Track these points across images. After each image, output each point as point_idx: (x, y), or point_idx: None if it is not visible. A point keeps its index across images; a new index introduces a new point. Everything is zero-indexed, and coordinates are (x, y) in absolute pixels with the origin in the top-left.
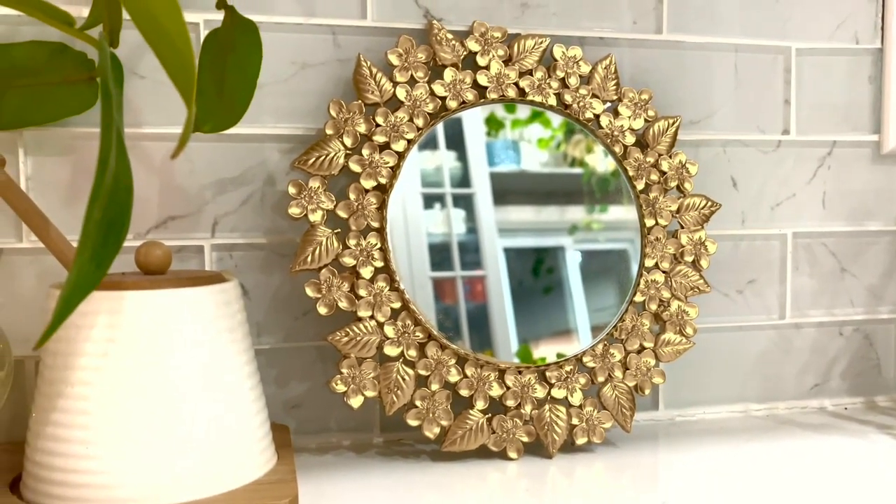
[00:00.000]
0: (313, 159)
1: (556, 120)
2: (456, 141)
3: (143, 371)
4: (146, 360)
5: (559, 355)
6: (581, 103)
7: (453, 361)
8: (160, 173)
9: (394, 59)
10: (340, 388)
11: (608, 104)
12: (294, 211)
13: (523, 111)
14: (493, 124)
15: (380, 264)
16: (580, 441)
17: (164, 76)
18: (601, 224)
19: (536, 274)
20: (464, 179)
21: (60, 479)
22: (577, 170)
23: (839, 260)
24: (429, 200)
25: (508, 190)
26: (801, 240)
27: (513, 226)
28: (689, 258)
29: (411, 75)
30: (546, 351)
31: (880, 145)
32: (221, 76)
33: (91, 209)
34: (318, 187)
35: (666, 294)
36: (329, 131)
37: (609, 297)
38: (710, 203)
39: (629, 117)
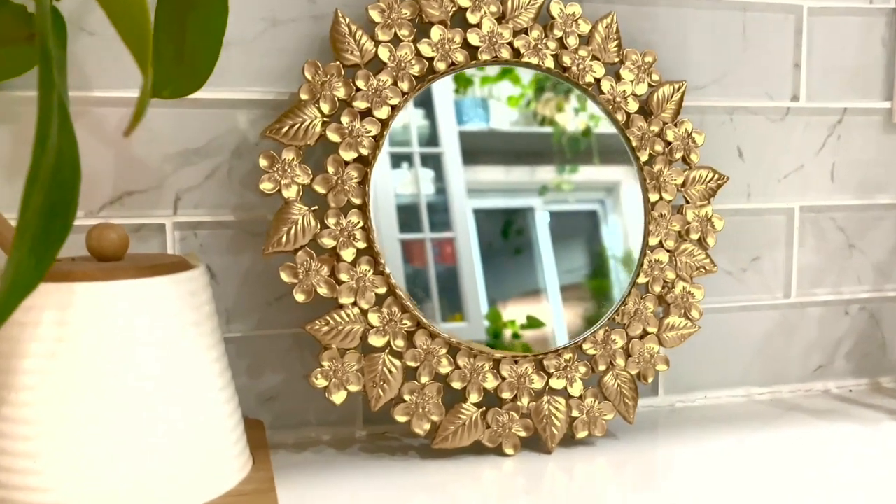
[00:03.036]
0: (286, 127)
1: (526, 77)
2: (424, 98)
3: (97, 374)
4: (100, 362)
5: (529, 318)
6: (581, 66)
7: (444, 351)
8: (114, 143)
9: (375, 16)
10: (321, 382)
11: (609, 67)
12: (266, 186)
13: (492, 67)
14: (462, 81)
15: (362, 245)
16: (581, 435)
17: (116, 33)
18: (571, 184)
19: (506, 235)
20: (432, 138)
21: (3, 496)
22: (548, 129)
23: (847, 235)
24: (396, 160)
25: (478, 149)
26: (808, 214)
27: (482, 186)
28: (694, 236)
29: (395, 33)
30: (515, 312)
31: (892, 113)
32: (182, 35)
33: (29, 193)
34: (293, 159)
35: (671, 275)
36: (304, 96)
37: (578, 258)
38: (717, 176)
39: (632, 82)
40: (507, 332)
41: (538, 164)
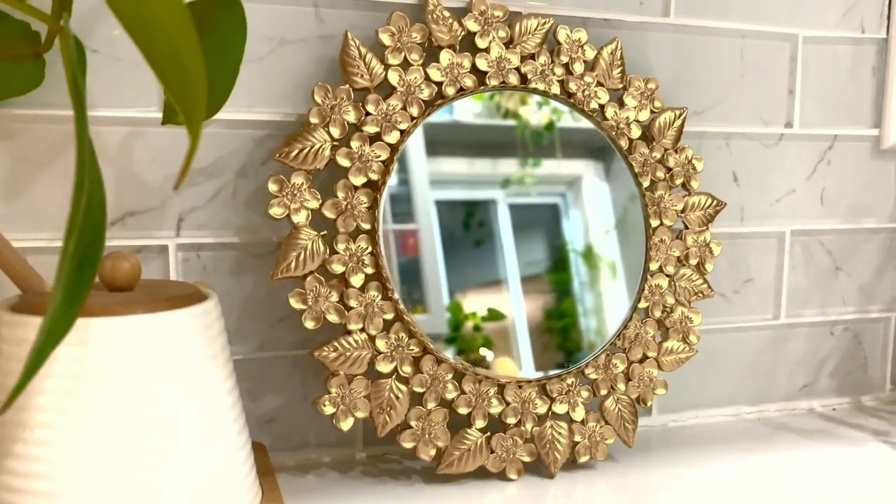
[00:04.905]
0: (296, 151)
1: None
2: None
3: (115, 411)
4: (118, 399)
5: (490, 310)
6: (586, 92)
7: (450, 376)
8: (116, 163)
9: (385, 39)
10: (329, 409)
11: (612, 93)
12: (276, 211)
13: None
14: None
15: (370, 271)
16: (582, 459)
17: (120, 51)
18: (534, 178)
19: (467, 227)
20: None
21: None
22: (511, 122)
23: (834, 258)
24: None
25: (441, 141)
26: (799, 238)
27: (445, 178)
28: (693, 261)
29: (405, 57)
30: (476, 304)
31: (880, 140)
32: None
33: (68, 241)
34: (302, 184)
35: (670, 300)
36: (314, 120)
37: (539, 250)
38: (715, 202)
39: (635, 108)
40: (469, 324)
41: (501, 157)
